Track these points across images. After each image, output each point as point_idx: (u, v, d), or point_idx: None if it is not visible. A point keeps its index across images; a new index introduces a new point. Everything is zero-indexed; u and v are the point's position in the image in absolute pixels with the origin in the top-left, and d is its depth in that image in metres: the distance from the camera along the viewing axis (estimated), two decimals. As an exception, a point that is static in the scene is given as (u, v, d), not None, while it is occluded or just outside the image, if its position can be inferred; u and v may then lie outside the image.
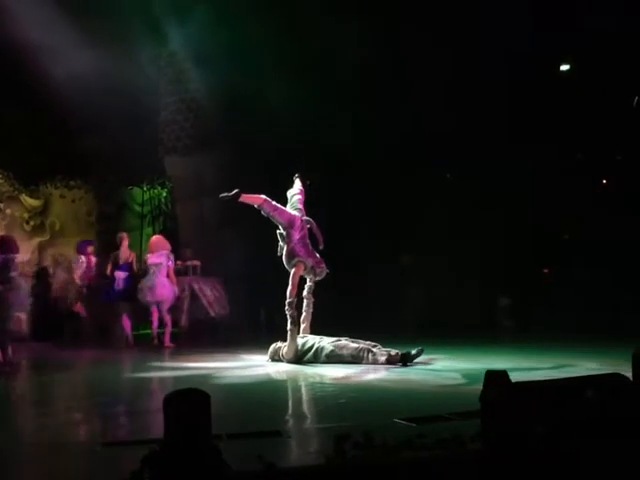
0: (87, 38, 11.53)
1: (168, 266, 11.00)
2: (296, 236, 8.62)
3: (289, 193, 9.13)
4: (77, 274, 11.98)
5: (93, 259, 12.15)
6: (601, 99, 11.77)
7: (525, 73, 12.32)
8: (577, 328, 10.79)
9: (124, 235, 11.55)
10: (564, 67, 13.15)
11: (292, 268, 8.59)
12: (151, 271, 10.92)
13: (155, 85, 13.67)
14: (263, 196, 8.64)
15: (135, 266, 11.58)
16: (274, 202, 8.69)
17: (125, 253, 11.33)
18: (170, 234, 14.38)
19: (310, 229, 8.83)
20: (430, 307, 12.98)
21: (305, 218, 8.83)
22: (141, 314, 11.65)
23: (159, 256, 10.95)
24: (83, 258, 12.01)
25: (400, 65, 12.60)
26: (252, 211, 13.25)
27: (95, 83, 11.70)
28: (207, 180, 13.86)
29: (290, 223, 8.67)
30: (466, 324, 11.89)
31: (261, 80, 12.29)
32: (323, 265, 8.74)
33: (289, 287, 8.50)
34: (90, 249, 12.16)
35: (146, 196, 14.59)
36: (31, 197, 13.40)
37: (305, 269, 8.65)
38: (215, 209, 13.73)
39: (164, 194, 14.70)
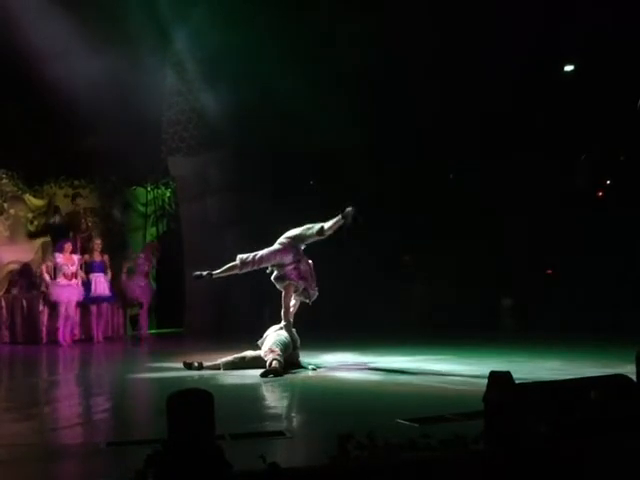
0: (91, 39, 11.54)
1: None
2: (289, 265, 8.32)
3: (309, 230, 8.26)
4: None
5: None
6: (605, 100, 11.75)
7: (529, 74, 12.32)
8: (580, 328, 10.79)
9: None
10: (568, 68, 13.14)
11: (283, 289, 8.46)
12: None
13: (159, 85, 13.68)
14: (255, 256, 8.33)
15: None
16: (266, 252, 8.34)
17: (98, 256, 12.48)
18: (174, 234, 14.44)
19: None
20: (432, 307, 12.99)
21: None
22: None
23: None
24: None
25: (402, 65, 12.60)
26: (255, 211, 13.34)
27: (99, 83, 11.70)
28: (211, 180, 13.87)
29: (280, 262, 8.33)
30: (469, 324, 11.88)
31: (265, 81, 12.30)
32: (316, 288, 8.52)
33: (282, 309, 8.42)
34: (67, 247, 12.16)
35: (150, 196, 14.60)
36: (35, 197, 13.41)
37: (296, 291, 8.48)
38: (218, 209, 13.75)
39: (168, 194, 14.71)
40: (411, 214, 13.19)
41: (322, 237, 8.15)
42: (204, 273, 8.47)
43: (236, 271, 8.46)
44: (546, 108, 12.44)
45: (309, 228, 8.19)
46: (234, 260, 8.54)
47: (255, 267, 8.41)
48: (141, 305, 12.89)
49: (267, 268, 8.57)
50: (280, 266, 8.38)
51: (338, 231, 8.09)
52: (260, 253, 8.34)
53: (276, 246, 8.34)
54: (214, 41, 12.19)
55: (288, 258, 8.30)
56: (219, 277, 8.61)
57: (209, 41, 12.34)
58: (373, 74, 12.79)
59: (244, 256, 8.37)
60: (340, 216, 7.90)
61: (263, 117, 12.71)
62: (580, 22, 11.35)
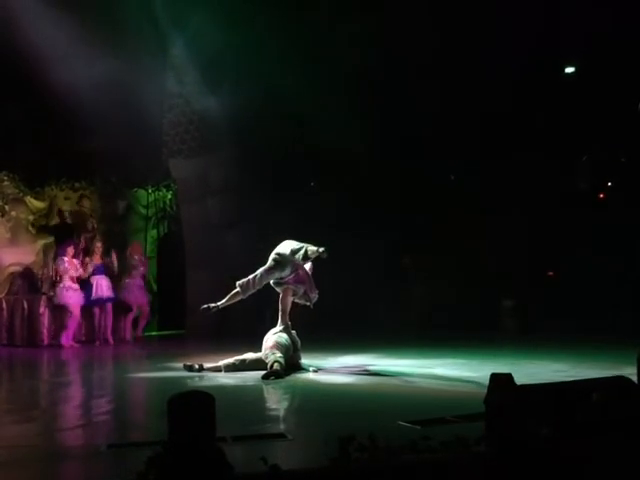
0: (92, 40, 11.54)
1: None
2: (288, 277, 8.49)
3: (295, 254, 8.28)
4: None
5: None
6: (605, 100, 11.75)
7: (529, 74, 12.32)
8: (580, 329, 10.79)
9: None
10: (569, 70, 13.14)
11: (281, 292, 8.53)
12: None
13: (160, 87, 13.67)
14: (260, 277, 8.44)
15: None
16: (263, 271, 8.43)
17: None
18: (174, 236, 14.43)
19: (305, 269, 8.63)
20: (432, 308, 12.98)
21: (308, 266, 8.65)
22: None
23: None
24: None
25: (402, 65, 12.61)
26: (255, 213, 13.34)
27: (100, 85, 11.70)
28: (211, 182, 13.86)
29: (280, 276, 8.48)
30: (469, 325, 11.88)
31: (265, 81, 12.30)
32: (316, 291, 8.59)
33: (280, 313, 8.47)
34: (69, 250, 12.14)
35: (151, 198, 14.59)
36: (36, 199, 13.40)
37: (295, 294, 8.57)
38: (219, 210, 13.74)
39: (169, 196, 14.70)
40: (411, 214, 13.19)
41: (304, 263, 8.37)
42: (211, 305, 8.57)
43: (240, 297, 8.56)
44: (546, 108, 12.44)
45: (296, 251, 8.28)
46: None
47: (258, 287, 8.49)
48: (130, 309, 12.83)
49: None
50: (281, 278, 8.48)
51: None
52: (257, 273, 8.43)
53: (270, 263, 8.43)
54: (214, 42, 12.19)
55: (286, 272, 8.41)
56: (226, 306, 8.66)
57: (209, 42, 12.33)
58: (373, 74, 12.79)
59: (242, 281, 8.48)
60: (316, 249, 8.13)
61: (263, 117, 12.71)
62: (580, 23, 11.35)
